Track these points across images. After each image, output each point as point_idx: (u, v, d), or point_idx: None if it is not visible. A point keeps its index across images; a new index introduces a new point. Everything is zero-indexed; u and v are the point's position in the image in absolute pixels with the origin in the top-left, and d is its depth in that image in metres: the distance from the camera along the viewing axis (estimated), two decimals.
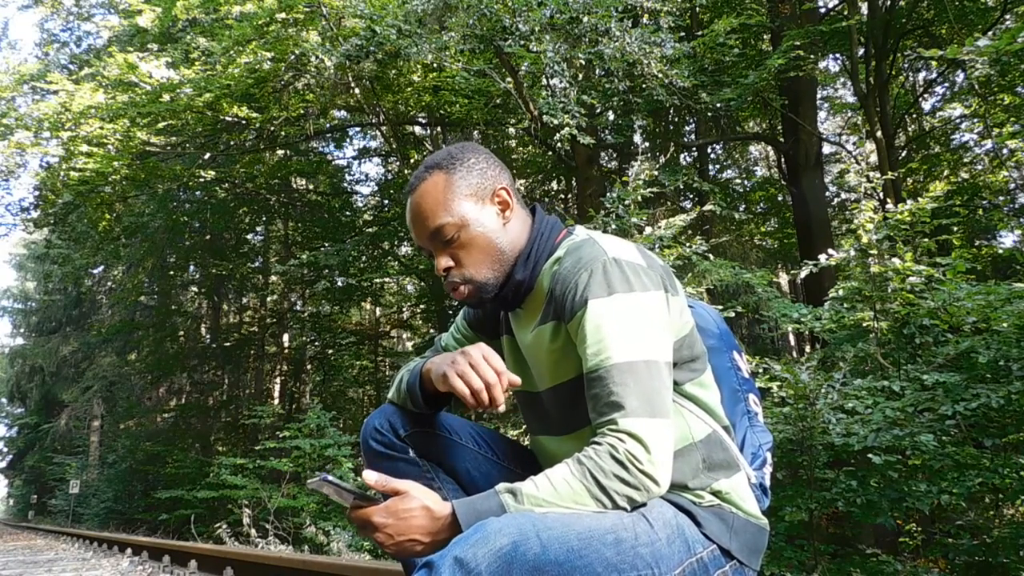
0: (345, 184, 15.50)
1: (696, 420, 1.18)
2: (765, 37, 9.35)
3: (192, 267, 17.96)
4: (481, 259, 1.21)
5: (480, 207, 1.22)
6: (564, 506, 1.00)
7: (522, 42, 6.11)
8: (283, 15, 7.77)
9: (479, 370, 1.10)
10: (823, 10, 8.98)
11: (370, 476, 1.04)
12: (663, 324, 1.12)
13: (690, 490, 1.14)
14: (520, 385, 1.15)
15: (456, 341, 1.45)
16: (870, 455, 3.02)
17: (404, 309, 18.49)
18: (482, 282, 1.21)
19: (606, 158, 11.34)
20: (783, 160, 9.53)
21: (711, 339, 1.32)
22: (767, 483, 1.29)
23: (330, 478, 1.02)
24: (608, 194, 5.33)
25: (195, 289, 19.55)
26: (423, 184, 1.22)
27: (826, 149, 11.90)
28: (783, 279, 14.20)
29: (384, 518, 1.02)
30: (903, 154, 10.79)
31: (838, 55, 10.38)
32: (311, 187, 15.69)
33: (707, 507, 1.14)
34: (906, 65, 11.14)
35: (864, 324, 4.18)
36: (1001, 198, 11.14)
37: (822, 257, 4.16)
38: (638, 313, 1.09)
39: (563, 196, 13.14)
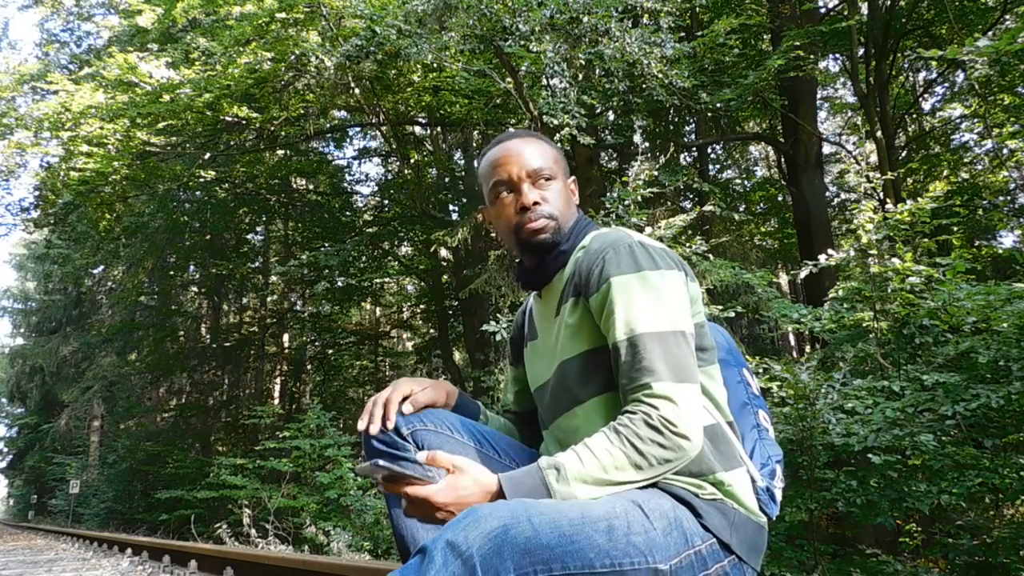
0: (345, 184, 15.51)
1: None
2: (765, 37, 9.34)
3: (192, 267, 17.95)
4: (563, 207, 1.33)
5: (564, 179, 1.38)
6: (607, 477, 1.05)
7: (522, 42, 6.11)
8: (283, 15, 7.77)
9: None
10: (823, 10, 8.97)
11: (421, 454, 1.10)
12: (686, 301, 1.19)
13: (691, 475, 1.14)
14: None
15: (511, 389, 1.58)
16: (870, 455, 3.02)
17: (404, 309, 18.52)
18: (561, 223, 1.31)
19: (606, 158, 11.33)
20: (783, 160, 9.53)
21: (721, 352, 1.36)
22: (777, 493, 1.29)
23: (381, 463, 1.05)
24: (608, 194, 5.33)
25: (195, 289, 19.55)
26: (531, 136, 1.36)
27: (826, 149, 11.90)
28: (783, 279, 14.20)
29: (446, 496, 1.06)
30: (903, 154, 10.78)
31: (838, 55, 10.38)
32: (311, 187, 15.68)
33: (708, 499, 1.14)
34: (906, 65, 11.13)
35: (864, 324, 4.19)
36: (1001, 198, 11.15)
37: (822, 257, 4.17)
38: (664, 288, 1.17)
39: None
